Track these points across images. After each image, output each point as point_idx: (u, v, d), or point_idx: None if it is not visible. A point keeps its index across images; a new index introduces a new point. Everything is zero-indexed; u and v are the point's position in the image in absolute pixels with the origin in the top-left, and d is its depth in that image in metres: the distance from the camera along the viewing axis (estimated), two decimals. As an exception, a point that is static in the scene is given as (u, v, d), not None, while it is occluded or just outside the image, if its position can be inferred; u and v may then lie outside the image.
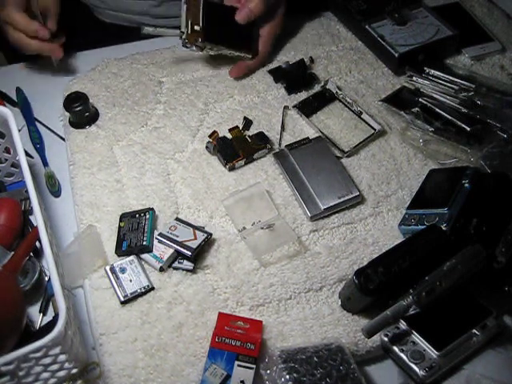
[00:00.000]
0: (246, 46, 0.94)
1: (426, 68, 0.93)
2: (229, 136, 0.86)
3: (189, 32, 0.88)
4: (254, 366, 0.63)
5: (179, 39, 0.90)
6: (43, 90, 0.95)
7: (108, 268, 0.71)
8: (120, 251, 0.73)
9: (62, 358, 0.58)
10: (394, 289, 0.65)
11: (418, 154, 0.87)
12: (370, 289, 0.64)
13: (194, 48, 0.90)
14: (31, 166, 0.83)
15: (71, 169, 0.83)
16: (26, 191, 0.67)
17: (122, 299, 0.69)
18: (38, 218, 0.62)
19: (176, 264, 0.73)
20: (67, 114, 0.87)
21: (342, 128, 0.89)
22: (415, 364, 0.63)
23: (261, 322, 0.68)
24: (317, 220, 0.78)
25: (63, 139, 0.89)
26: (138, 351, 0.66)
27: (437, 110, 0.88)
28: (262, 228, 0.76)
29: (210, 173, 0.83)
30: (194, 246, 0.72)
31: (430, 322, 0.65)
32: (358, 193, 0.79)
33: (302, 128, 0.90)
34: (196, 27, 0.88)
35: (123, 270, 0.71)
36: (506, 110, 0.86)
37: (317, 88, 0.95)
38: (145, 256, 0.73)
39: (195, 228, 0.74)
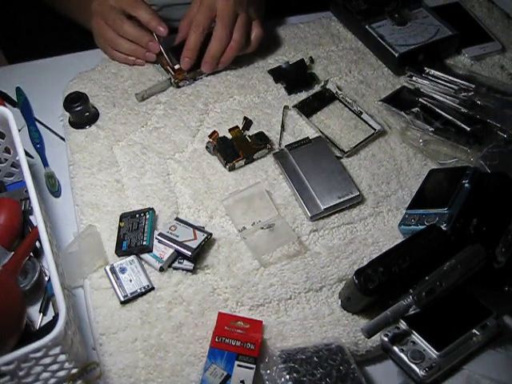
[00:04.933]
0: None
1: (426, 68, 0.94)
2: (229, 136, 0.86)
3: (173, 73, 0.93)
4: (254, 366, 0.63)
5: (171, 85, 0.93)
6: (43, 90, 0.95)
7: (108, 268, 0.71)
8: (120, 251, 0.73)
9: (62, 357, 0.58)
10: (394, 289, 0.65)
11: (418, 154, 0.87)
12: (370, 289, 0.64)
13: (187, 82, 0.94)
14: (31, 166, 0.83)
15: (71, 169, 0.83)
16: (26, 191, 0.67)
17: (122, 299, 0.69)
18: (38, 218, 0.62)
19: (176, 264, 0.73)
20: (67, 113, 0.87)
21: (342, 128, 0.89)
22: (415, 364, 0.63)
23: (261, 322, 0.68)
24: (317, 220, 0.78)
25: (63, 139, 0.89)
26: (138, 351, 0.66)
27: (437, 110, 0.88)
28: (262, 228, 0.76)
29: (210, 173, 0.83)
30: (194, 246, 0.72)
31: (430, 322, 0.65)
32: (358, 193, 0.79)
33: (302, 128, 0.90)
34: (176, 66, 0.94)
35: (123, 270, 0.71)
36: (506, 110, 0.86)
37: (317, 88, 0.95)
38: (145, 256, 0.73)
39: (195, 228, 0.74)
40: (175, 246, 0.72)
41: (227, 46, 0.91)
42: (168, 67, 0.93)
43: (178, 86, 0.93)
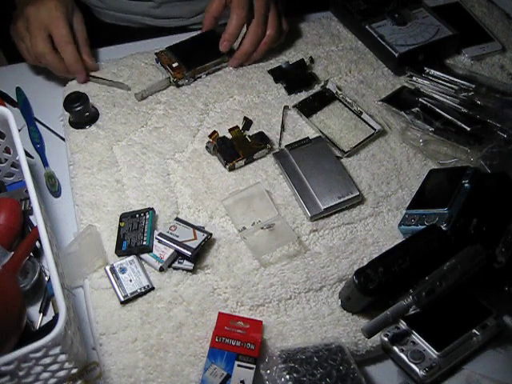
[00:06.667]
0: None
1: (426, 68, 0.94)
2: (229, 136, 0.86)
3: (172, 72, 0.93)
4: (254, 366, 0.63)
5: (170, 84, 0.93)
6: (43, 90, 0.95)
7: (108, 268, 0.71)
8: (120, 251, 0.73)
9: (62, 357, 0.58)
10: (394, 289, 0.65)
11: (418, 154, 0.87)
12: (370, 289, 0.64)
13: (187, 81, 0.93)
14: (31, 166, 0.83)
15: (71, 169, 0.83)
16: (26, 191, 0.67)
17: (122, 299, 0.69)
18: (38, 218, 0.62)
19: (176, 264, 0.73)
20: (67, 113, 0.87)
21: (341, 128, 0.89)
22: (415, 364, 0.63)
23: (261, 322, 0.68)
24: (317, 220, 0.78)
25: (63, 139, 0.89)
26: (138, 351, 0.66)
27: (437, 110, 0.88)
28: (262, 228, 0.76)
29: (210, 173, 0.83)
30: (194, 246, 0.72)
31: (430, 322, 0.65)
32: (357, 193, 0.79)
33: (302, 128, 0.90)
34: (174, 64, 0.93)
35: (123, 270, 0.71)
36: (506, 110, 0.86)
37: (317, 88, 0.95)
38: (145, 256, 0.73)
39: (195, 228, 0.74)
40: (175, 245, 0.72)
41: (261, 41, 0.92)
42: (167, 66, 0.93)
43: (178, 85, 0.93)
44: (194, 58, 0.94)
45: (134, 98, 0.91)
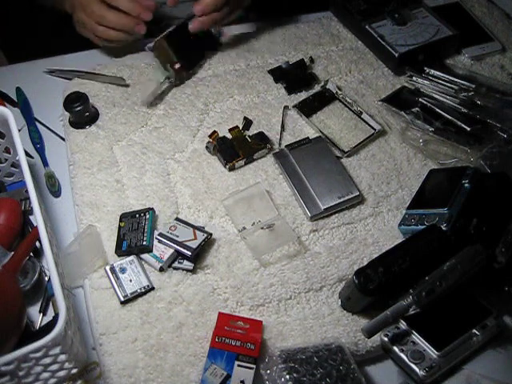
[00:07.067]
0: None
1: (426, 68, 0.94)
2: (229, 136, 0.86)
3: (175, 75, 0.92)
4: (253, 366, 0.63)
5: (169, 83, 0.93)
6: (43, 90, 0.95)
7: (108, 268, 0.71)
8: (120, 251, 0.73)
9: (62, 357, 0.58)
10: (394, 289, 0.65)
11: (418, 154, 0.87)
12: (370, 289, 0.64)
13: (186, 78, 0.94)
14: (31, 166, 0.83)
15: (71, 169, 0.83)
16: (26, 191, 0.67)
17: (122, 299, 0.69)
18: (38, 218, 0.62)
19: (176, 264, 0.73)
20: (67, 113, 0.87)
21: (341, 128, 0.89)
22: (415, 364, 0.63)
23: (261, 322, 0.68)
24: (317, 220, 0.78)
25: (63, 139, 0.89)
26: (138, 351, 0.66)
27: (437, 110, 0.88)
28: (262, 228, 0.76)
29: (210, 173, 0.83)
30: (194, 246, 0.72)
31: (430, 322, 0.65)
32: (357, 193, 0.79)
33: (302, 128, 0.90)
34: (176, 66, 0.92)
35: (123, 270, 0.71)
36: (506, 110, 0.86)
37: (317, 88, 0.95)
38: (145, 256, 0.73)
39: (195, 228, 0.74)
40: (175, 245, 0.72)
41: (221, 7, 0.90)
42: (169, 67, 0.92)
43: (176, 83, 0.93)
44: (191, 52, 0.94)
45: (141, 104, 0.90)
